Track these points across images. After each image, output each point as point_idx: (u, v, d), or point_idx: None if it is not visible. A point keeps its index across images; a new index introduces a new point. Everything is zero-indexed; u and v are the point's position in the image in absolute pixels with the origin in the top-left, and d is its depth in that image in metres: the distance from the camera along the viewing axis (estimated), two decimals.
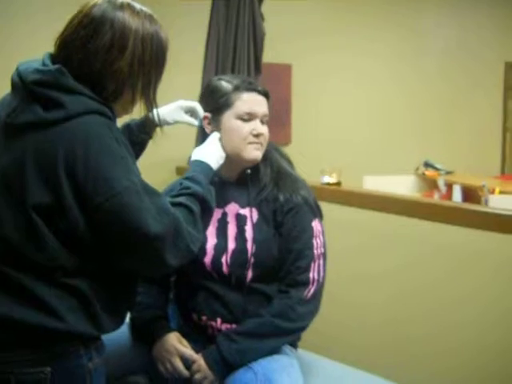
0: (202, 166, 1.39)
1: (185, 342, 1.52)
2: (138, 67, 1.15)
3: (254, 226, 1.54)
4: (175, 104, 1.57)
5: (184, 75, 3.15)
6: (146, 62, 1.16)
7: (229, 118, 1.52)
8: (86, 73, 1.12)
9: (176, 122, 1.58)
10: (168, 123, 1.56)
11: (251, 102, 1.52)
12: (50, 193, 1.07)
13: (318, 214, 1.59)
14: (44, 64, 1.14)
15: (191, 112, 1.58)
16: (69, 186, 1.07)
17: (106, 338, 1.21)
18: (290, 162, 1.66)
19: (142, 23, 1.15)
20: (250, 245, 1.52)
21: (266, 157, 1.59)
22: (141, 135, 1.52)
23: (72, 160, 1.06)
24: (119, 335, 1.28)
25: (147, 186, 1.13)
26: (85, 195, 1.07)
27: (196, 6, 3.32)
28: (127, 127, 1.52)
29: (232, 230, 1.55)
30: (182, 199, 1.23)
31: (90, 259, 1.12)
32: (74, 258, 1.10)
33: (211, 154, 1.44)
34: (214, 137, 1.50)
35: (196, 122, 1.58)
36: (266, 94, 1.55)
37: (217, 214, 1.56)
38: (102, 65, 1.12)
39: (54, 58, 1.16)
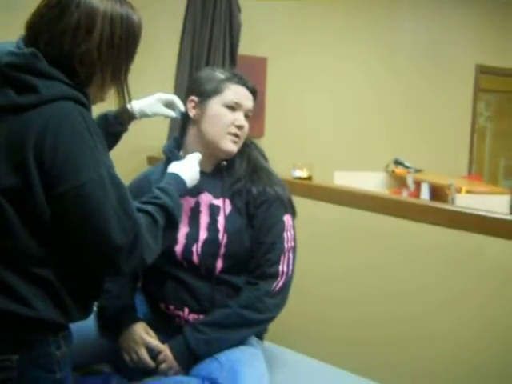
0: (178, 180, 1.37)
1: (151, 332, 1.52)
2: (106, 49, 1.12)
3: (227, 217, 1.54)
4: (154, 97, 1.59)
5: (158, 63, 3.13)
6: (115, 45, 1.13)
7: (215, 104, 1.55)
8: (54, 55, 1.09)
9: (155, 115, 1.60)
10: (147, 115, 1.58)
11: (240, 93, 1.56)
12: (18, 177, 1.06)
13: (290, 209, 1.60)
14: (18, 47, 1.11)
15: (169, 104, 1.60)
16: (36, 171, 1.05)
17: (72, 326, 1.20)
18: (265, 158, 1.68)
19: (110, 4, 1.12)
20: (221, 235, 1.53)
21: (242, 151, 1.60)
22: (117, 126, 1.52)
23: (41, 145, 1.04)
24: (85, 324, 1.27)
25: (116, 181, 1.10)
26: (50, 182, 1.05)
27: None
28: (104, 117, 1.51)
29: (204, 219, 1.55)
30: (149, 208, 1.19)
31: (56, 248, 1.10)
32: (41, 246, 1.09)
33: (188, 170, 1.42)
34: (195, 156, 1.49)
35: (174, 114, 1.61)
36: (254, 92, 1.60)
37: (189, 202, 1.56)
38: (70, 47, 1.10)
39: (25, 41, 1.13)
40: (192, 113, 1.58)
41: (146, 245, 1.13)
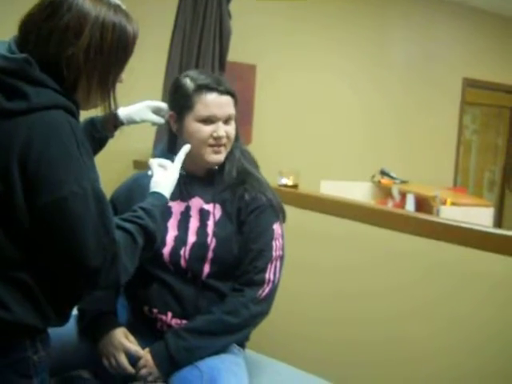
0: (162, 200, 1.34)
1: (131, 337, 1.51)
2: (94, 55, 1.10)
3: (217, 222, 1.54)
4: (143, 104, 1.59)
5: (147, 69, 3.12)
6: (104, 51, 1.11)
7: (190, 120, 1.52)
8: (41, 56, 1.08)
9: (143, 121, 1.60)
10: (135, 122, 1.58)
11: (212, 104, 1.51)
12: (0, 182, 1.04)
13: (280, 216, 1.60)
14: (10, 50, 1.09)
15: (158, 111, 1.60)
16: (19, 178, 1.04)
17: (51, 330, 1.18)
18: (256, 165, 1.66)
19: (104, 11, 1.11)
20: (210, 239, 1.52)
21: (234, 157, 1.58)
22: (103, 132, 1.51)
23: (27, 153, 1.03)
24: (65, 328, 1.25)
25: (100, 196, 1.09)
26: (32, 191, 1.04)
27: (163, 1, 3.28)
28: (91, 122, 1.50)
29: (194, 223, 1.55)
30: (130, 227, 1.18)
31: (35, 253, 1.09)
32: (20, 250, 1.07)
33: (170, 185, 1.39)
34: (177, 162, 1.46)
35: (162, 121, 1.61)
36: (229, 93, 1.53)
37: (180, 206, 1.56)
38: (57, 48, 1.08)
39: (17, 43, 1.11)
40: (174, 127, 1.57)
41: (123, 265, 1.12)
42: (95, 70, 1.12)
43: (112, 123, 1.53)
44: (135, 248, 1.17)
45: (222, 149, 1.54)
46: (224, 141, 1.53)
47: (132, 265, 1.16)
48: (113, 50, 1.12)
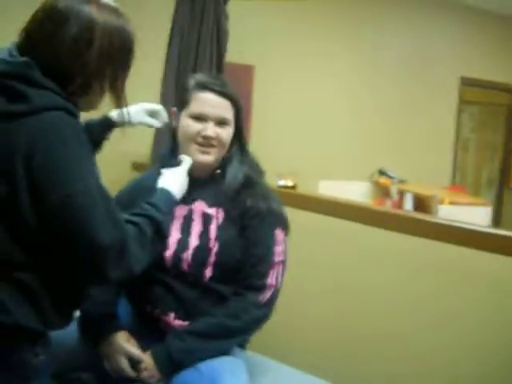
0: (167, 195, 1.36)
1: (133, 340, 1.51)
2: (106, 60, 1.14)
3: (219, 226, 1.54)
4: (139, 106, 1.62)
5: (145, 71, 3.11)
6: (113, 55, 1.15)
7: (184, 116, 1.55)
8: (53, 65, 1.10)
9: (139, 124, 1.63)
10: (132, 124, 1.60)
11: (205, 102, 1.52)
12: (5, 185, 1.05)
13: (283, 224, 1.60)
14: (11, 55, 1.11)
15: (154, 114, 1.63)
16: (24, 179, 1.05)
17: (53, 332, 1.19)
18: (260, 170, 1.66)
19: (108, 17, 1.14)
20: (212, 243, 1.52)
21: (234, 160, 1.59)
22: (100, 135, 1.54)
23: (31, 154, 1.04)
24: (66, 330, 1.25)
25: (104, 192, 1.11)
26: (38, 191, 1.05)
27: (160, 2, 3.29)
28: (86, 126, 1.52)
29: (196, 227, 1.55)
30: (137, 219, 1.20)
31: (39, 255, 1.10)
32: (22, 252, 1.08)
33: (177, 182, 1.42)
34: (185, 164, 1.49)
35: (158, 124, 1.64)
36: (228, 97, 1.54)
37: (183, 210, 1.56)
38: (69, 57, 1.10)
39: (19, 49, 1.13)
40: (175, 123, 1.59)
41: (134, 255, 1.13)
42: (106, 73, 1.16)
43: (108, 125, 1.57)
44: (144, 238, 1.18)
45: (211, 150, 1.53)
46: (213, 142, 1.53)
47: (143, 255, 1.17)
48: (121, 52, 1.17)
